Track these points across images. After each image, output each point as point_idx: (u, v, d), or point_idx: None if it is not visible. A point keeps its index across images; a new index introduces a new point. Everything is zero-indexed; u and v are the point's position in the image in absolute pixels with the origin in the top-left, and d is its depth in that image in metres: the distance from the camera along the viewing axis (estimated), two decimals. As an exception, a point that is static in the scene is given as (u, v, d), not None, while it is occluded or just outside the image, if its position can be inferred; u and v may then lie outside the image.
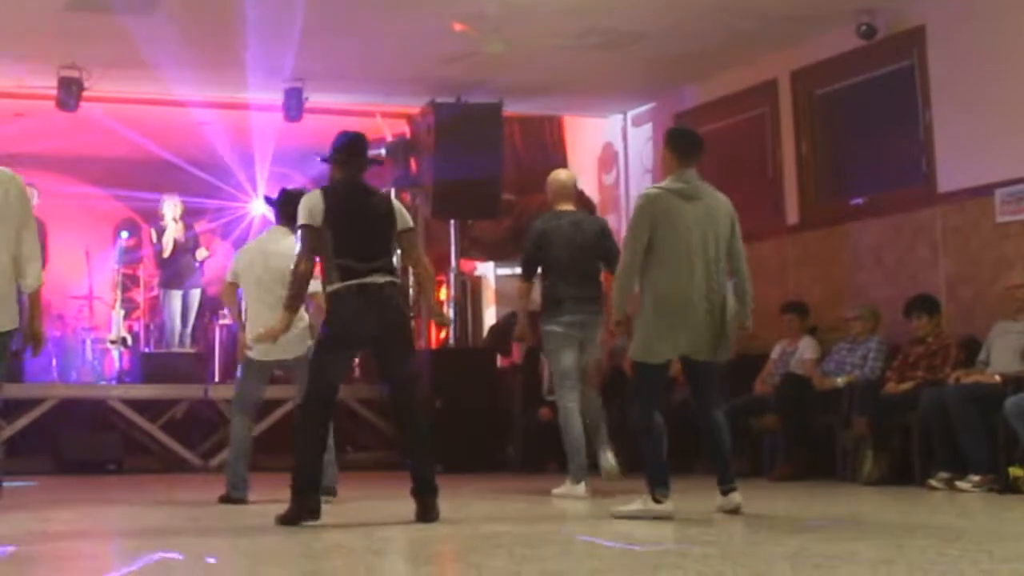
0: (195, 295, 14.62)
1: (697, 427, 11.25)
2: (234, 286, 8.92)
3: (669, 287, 7.31)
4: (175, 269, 14.45)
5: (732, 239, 7.52)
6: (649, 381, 7.49)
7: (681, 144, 7.64)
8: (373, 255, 7.28)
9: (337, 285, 7.22)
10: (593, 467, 9.29)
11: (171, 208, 14.39)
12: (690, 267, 7.31)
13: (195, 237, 14.70)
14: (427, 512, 7.22)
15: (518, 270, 14.76)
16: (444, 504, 7.42)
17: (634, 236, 7.40)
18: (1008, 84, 10.21)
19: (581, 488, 9.02)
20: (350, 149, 7.60)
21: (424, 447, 7.43)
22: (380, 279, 7.22)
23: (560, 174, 9.93)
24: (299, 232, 7.34)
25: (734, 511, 7.36)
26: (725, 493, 7.48)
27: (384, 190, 13.90)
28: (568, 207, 9.53)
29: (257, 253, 8.83)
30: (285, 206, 8.63)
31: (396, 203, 7.66)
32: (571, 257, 9.26)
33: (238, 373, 9.19)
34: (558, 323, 9.24)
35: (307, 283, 7.39)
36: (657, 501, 7.28)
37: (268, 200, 9.44)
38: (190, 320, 14.56)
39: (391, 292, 7.28)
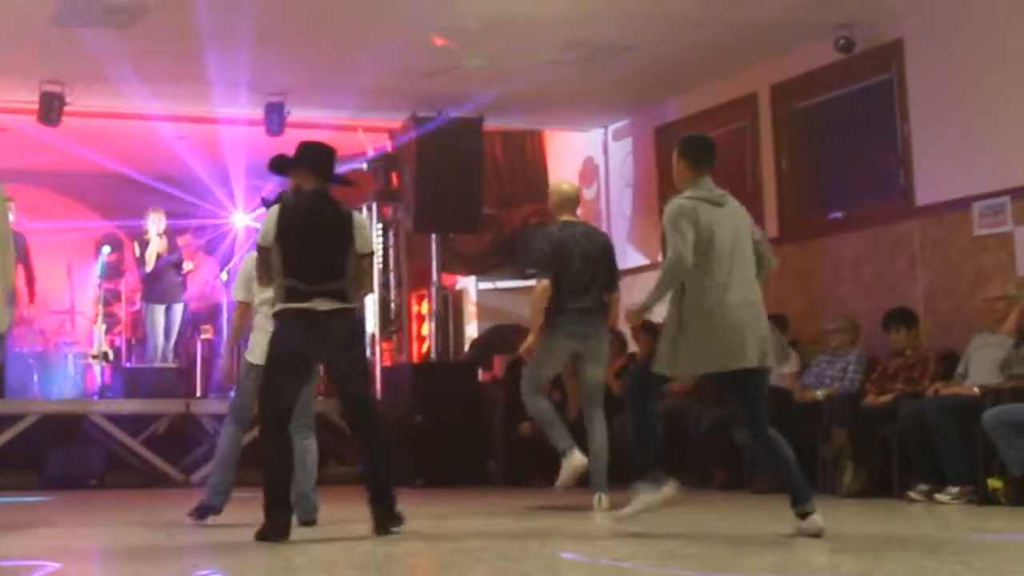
0: (178, 310, 14.61)
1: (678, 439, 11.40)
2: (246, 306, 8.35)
3: (714, 299, 7.05)
4: (159, 284, 14.44)
5: (758, 242, 7.40)
6: (647, 382, 7.41)
7: (695, 151, 7.42)
8: (321, 278, 7.10)
9: (280, 306, 7.14)
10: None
11: (155, 223, 14.37)
12: (731, 273, 7.11)
13: (179, 250, 14.69)
14: (384, 524, 7.12)
15: (501, 284, 14.88)
16: (426, 519, 7.43)
17: (682, 232, 7.00)
18: (986, 97, 10.27)
19: (576, 456, 8.92)
20: (313, 158, 7.40)
21: (379, 459, 7.29)
22: (324, 305, 7.06)
23: (563, 184, 9.87)
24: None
25: (817, 535, 6.86)
26: (804, 516, 7.00)
27: (361, 206, 14.05)
28: (574, 218, 9.46)
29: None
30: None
31: (359, 223, 7.42)
32: (582, 269, 9.15)
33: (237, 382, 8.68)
34: (561, 332, 9.10)
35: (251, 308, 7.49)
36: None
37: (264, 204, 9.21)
38: (173, 335, 14.54)
39: (336, 319, 7.10)
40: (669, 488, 7.21)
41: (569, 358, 9.25)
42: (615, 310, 9.52)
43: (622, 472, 11.01)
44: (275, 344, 7.18)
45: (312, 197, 7.31)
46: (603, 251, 9.36)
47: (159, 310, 14.41)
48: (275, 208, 7.25)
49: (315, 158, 7.42)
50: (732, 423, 10.94)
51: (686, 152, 7.42)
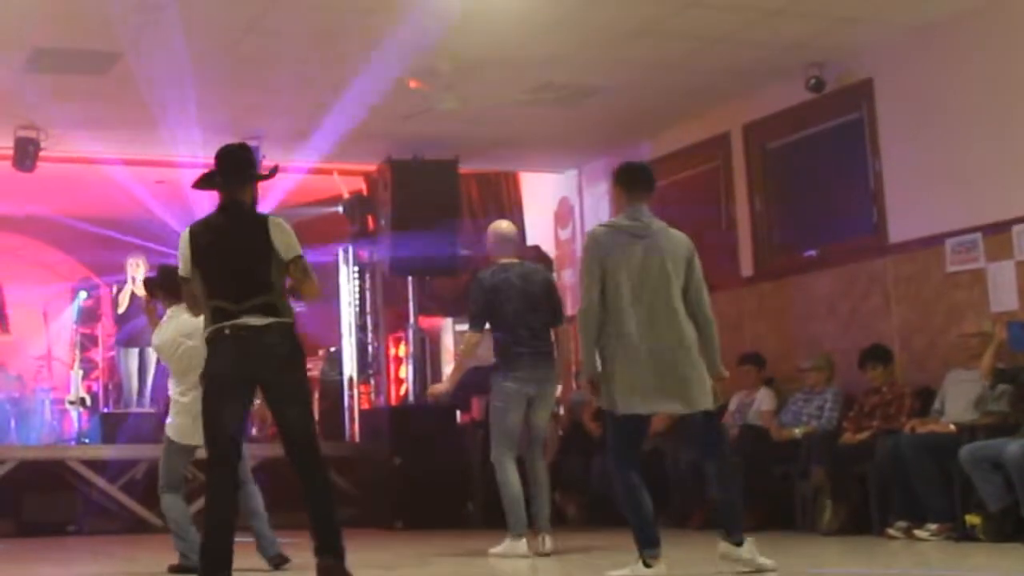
0: (152, 353, 14.57)
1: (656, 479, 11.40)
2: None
3: (624, 332, 6.91)
4: (131, 326, 14.40)
5: (689, 278, 7.16)
6: (620, 434, 7.10)
7: (629, 178, 7.32)
8: (246, 294, 6.58)
9: (209, 329, 6.63)
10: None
11: (133, 268, 14.36)
12: (644, 309, 6.95)
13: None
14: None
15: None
16: (407, 560, 7.39)
17: (588, 276, 7.01)
18: (956, 135, 10.34)
19: (522, 545, 8.89)
20: (222, 167, 6.92)
21: (324, 501, 6.65)
22: (257, 320, 6.53)
23: (501, 225, 9.67)
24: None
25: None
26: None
27: (338, 248, 14.02)
28: (511, 259, 9.36)
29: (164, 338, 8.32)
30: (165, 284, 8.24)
31: (277, 228, 6.75)
32: (523, 311, 9.08)
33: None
34: (513, 379, 9.01)
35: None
36: (647, 565, 6.90)
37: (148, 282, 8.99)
38: (148, 379, 14.49)
39: (273, 333, 6.57)
40: (661, 571, 6.96)
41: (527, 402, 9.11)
42: (563, 345, 9.37)
43: (598, 513, 11.07)
44: (208, 369, 6.64)
45: (219, 211, 6.88)
46: (543, 288, 9.28)
47: (132, 353, 14.37)
48: (184, 234, 6.82)
49: (226, 168, 6.94)
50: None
51: (619, 178, 7.36)
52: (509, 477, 9.02)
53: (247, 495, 7.94)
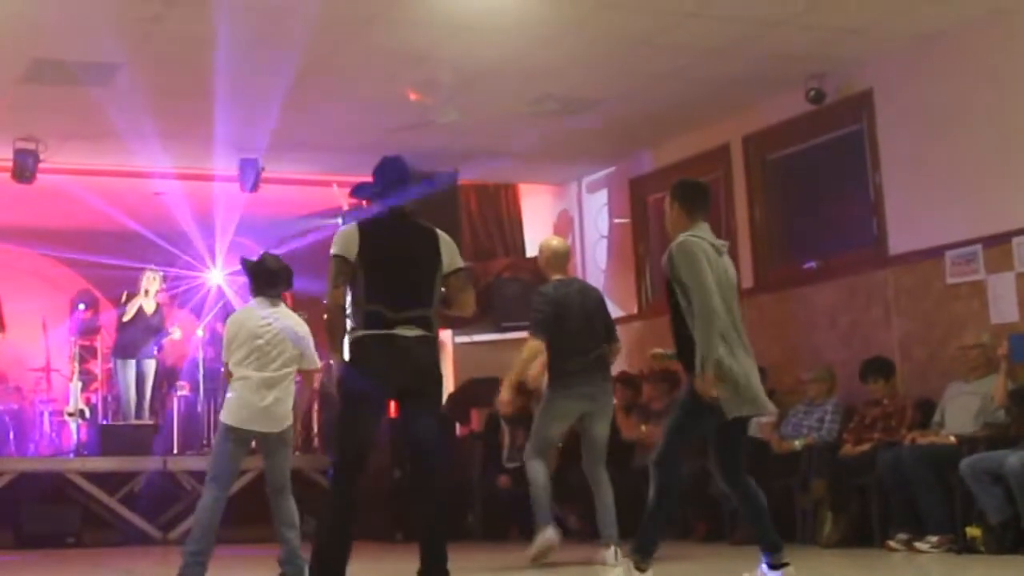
0: (149, 365, 14.54)
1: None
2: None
3: (734, 340, 6.93)
4: (130, 337, 14.39)
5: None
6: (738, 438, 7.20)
7: (691, 196, 7.15)
8: (408, 304, 6.48)
9: (361, 332, 6.49)
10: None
11: (149, 280, 14.36)
12: (737, 319, 7.03)
13: (162, 317, 14.63)
14: None
15: (477, 337, 14.83)
16: (407, 573, 7.37)
17: (704, 274, 6.78)
18: (956, 146, 10.34)
19: (550, 531, 8.85)
20: (389, 178, 6.88)
21: (439, 525, 6.83)
22: (410, 332, 6.44)
23: (553, 241, 9.65)
24: (331, 262, 6.59)
25: None
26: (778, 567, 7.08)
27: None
28: (565, 275, 9.36)
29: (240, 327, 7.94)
30: (259, 275, 7.88)
31: (444, 240, 6.77)
32: (581, 327, 9.03)
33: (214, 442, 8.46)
34: (566, 395, 8.96)
35: (342, 316, 6.66)
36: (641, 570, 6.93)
37: (244, 265, 8.91)
38: (146, 391, 14.46)
39: (423, 346, 6.51)
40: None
41: (576, 418, 9.10)
42: (614, 360, 9.42)
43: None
44: (355, 373, 6.49)
45: (389, 213, 6.79)
46: (598, 306, 9.25)
47: (129, 365, 14.35)
48: (353, 225, 6.69)
49: (394, 176, 6.93)
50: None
51: (681, 196, 7.15)
52: (538, 474, 9.01)
53: (286, 509, 7.91)
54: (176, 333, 14.64)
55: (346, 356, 6.61)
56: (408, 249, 6.64)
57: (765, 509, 7.06)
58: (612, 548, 8.74)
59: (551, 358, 9.04)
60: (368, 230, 6.63)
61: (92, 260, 15.44)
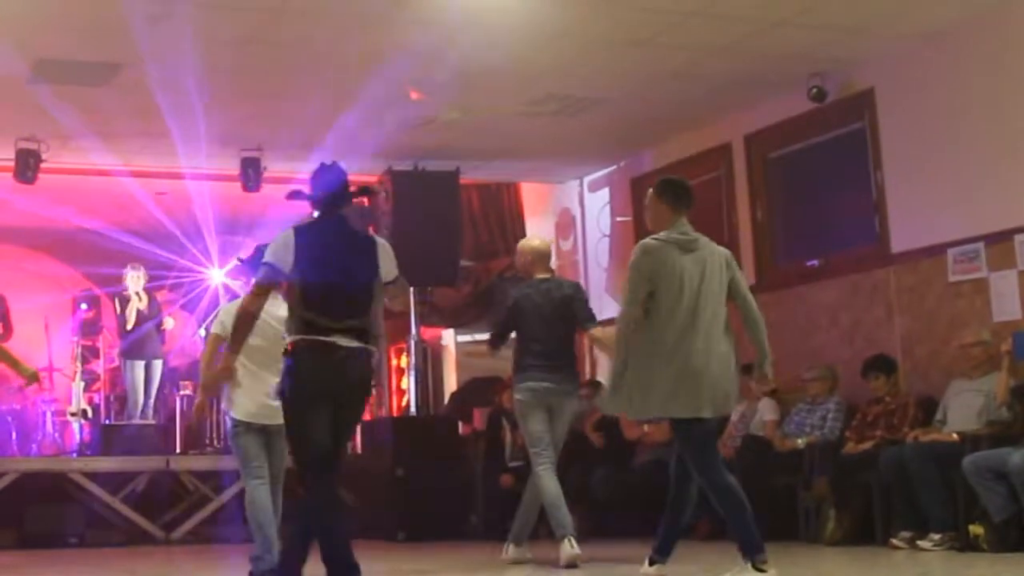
0: (157, 366, 14.57)
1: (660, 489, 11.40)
2: (220, 339, 7.87)
3: (673, 341, 7.05)
4: (137, 339, 14.41)
5: (736, 289, 7.36)
6: (690, 437, 7.22)
7: (673, 193, 7.43)
8: (344, 313, 6.48)
9: (298, 337, 6.46)
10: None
11: (134, 281, 14.37)
12: (694, 318, 7.09)
13: (158, 307, 14.67)
14: None
15: (479, 336, 14.87)
16: (409, 573, 7.38)
17: (633, 288, 7.13)
18: (958, 144, 10.34)
19: (566, 544, 8.80)
20: (324, 187, 6.79)
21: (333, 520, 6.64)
22: (348, 342, 6.44)
23: (535, 241, 9.81)
24: (260, 269, 6.62)
25: None
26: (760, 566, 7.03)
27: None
28: (543, 275, 9.41)
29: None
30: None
31: (382, 248, 6.82)
32: (536, 325, 9.15)
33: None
34: (522, 390, 9.09)
35: (250, 324, 6.74)
36: (759, 569, 6.97)
37: (242, 261, 8.67)
38: (152, 391, 14.49)
39: (360, 358, 6.50)
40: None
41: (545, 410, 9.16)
42: (603, 343, 9.24)
43: (599, 524, 11.06)
44: (298, 375, 6.48)
45: (326, 221, 6.81)
46: (563, 303, 9.26)
47: (138, 365, 14.37)
48: (288, 231, 6.63)
49: (332, 183, 6.87)
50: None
51: (664, 193, 7.44)
52: (542, 483, 9.03)
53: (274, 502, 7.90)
54: (169, 323, 14.65)
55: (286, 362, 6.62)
56: (345, 258, 6.63)
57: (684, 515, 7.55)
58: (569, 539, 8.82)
59: (514, 356, 9.27)
60: (304, 238, 6.60)
61: (94, 260, 15.46)
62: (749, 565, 7.00)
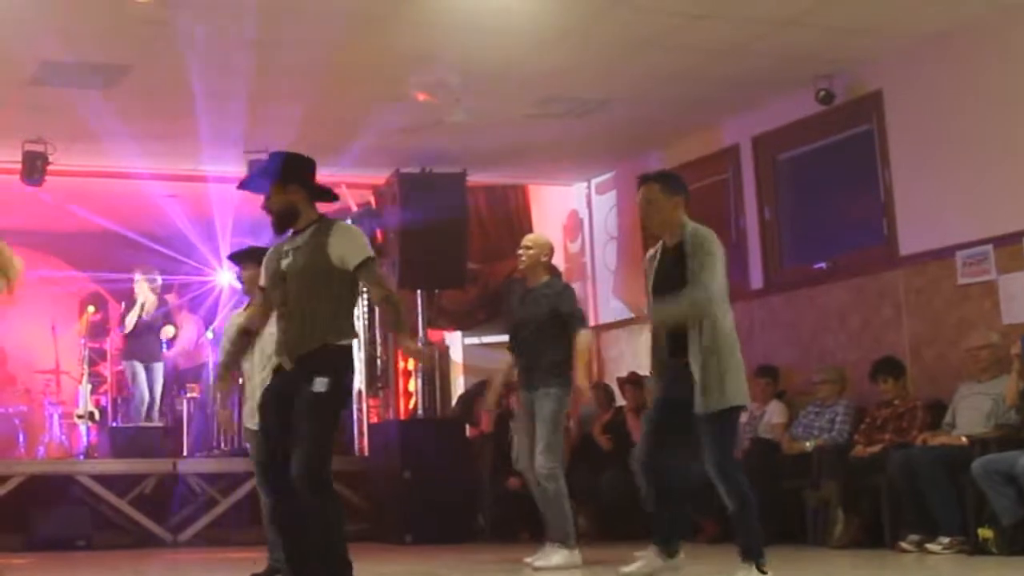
0: (158, 368, 14.60)
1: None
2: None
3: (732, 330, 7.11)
4: (138, 342, 14.45)
5: None
6: (734, 428, 7.31)
7: (685, 188, 7.54)
8: (286, 329, 6.38)
9: (352, 339, 6.38)
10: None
11: (143, 289, 14.41)
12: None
13: (165, 314, 14.69)
14: None
15: (487, 339, 14.88)
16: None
17: (718, 267, 7.11)
18: (966, 146, 10.31)
19: (573, 554, 9.00)
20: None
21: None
22: (288, 365, 6.36)
23: (550, 239, 9.92)
24: (374, 263, 6.39)
25: None
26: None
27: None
28: (535, 278, 9.43)
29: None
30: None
31: (336, 234, 6.44)
32: (515, 330, 9.35)
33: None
34: (519, 397, 9.27)
35: (241, 339, 6.73)
36: (764, 572, 6.96)
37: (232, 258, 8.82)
38: (156, 393, 14.51)
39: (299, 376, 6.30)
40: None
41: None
42: (579, 351, 9.24)
43: (607, 527, 11.05)
44: (349, 379, 6.36)
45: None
46: (536, 307, 9.28)
47: (139, 367, 14.40)
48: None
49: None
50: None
51: (681, 189, 7.49)
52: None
53: None
54: (168, 331, 14.68)
55: None
56: (294, 263, 6.39)
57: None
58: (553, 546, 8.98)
59: (557, 357, 9.25)
60: (271, 251, 6.57)
61: (101, 263, 15.48)
62: (754, 567, 6.98)
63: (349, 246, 6.31)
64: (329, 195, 6.79)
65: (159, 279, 14.59)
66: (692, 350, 6.99)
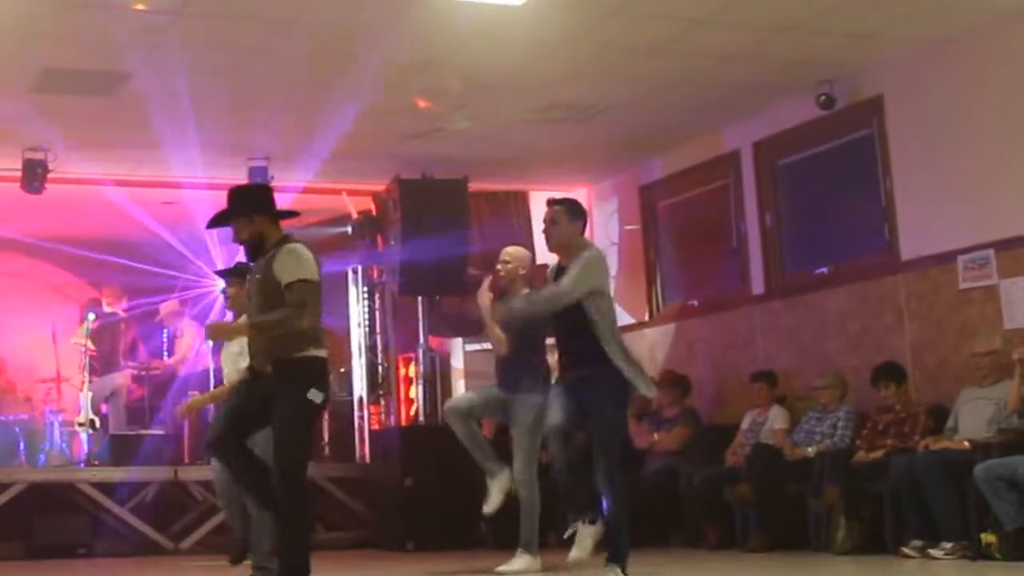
0: (116, 378, 14.77)
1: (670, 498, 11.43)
2: None
3: None
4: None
5: None
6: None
7: (585, 214, 8.35)
8: (251, 344, 7.21)
9: (307, 351, 6.93)
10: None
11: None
12: None
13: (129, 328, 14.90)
14: None
15: (487, 345, 14.85)
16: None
17: (591, 281, 7.93)
18: (967, 151, 10.31)
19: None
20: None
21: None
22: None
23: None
24: (302, 286, 6.90)
25: None
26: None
27: (348, 269, 14.19)
28: (514, 291, 9.44)
29: None
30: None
31: (281, 256, 7.05)
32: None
33: None
34: None
35: None
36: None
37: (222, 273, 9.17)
38: (120, 404, 14.59)
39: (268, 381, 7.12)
40: None
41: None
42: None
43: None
44: (325, 388, 7.02)
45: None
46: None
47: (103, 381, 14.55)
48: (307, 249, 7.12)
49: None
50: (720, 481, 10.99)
51: (582, 215, 8.29)
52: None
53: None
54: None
55: None
56: (254, 282, 7.16)
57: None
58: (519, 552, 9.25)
59: None
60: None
61: (101, 270, 15.46)
62: (619, 570, 7.59)
63: (288, 267, 6.93)
64: (290, 215, 7.46)
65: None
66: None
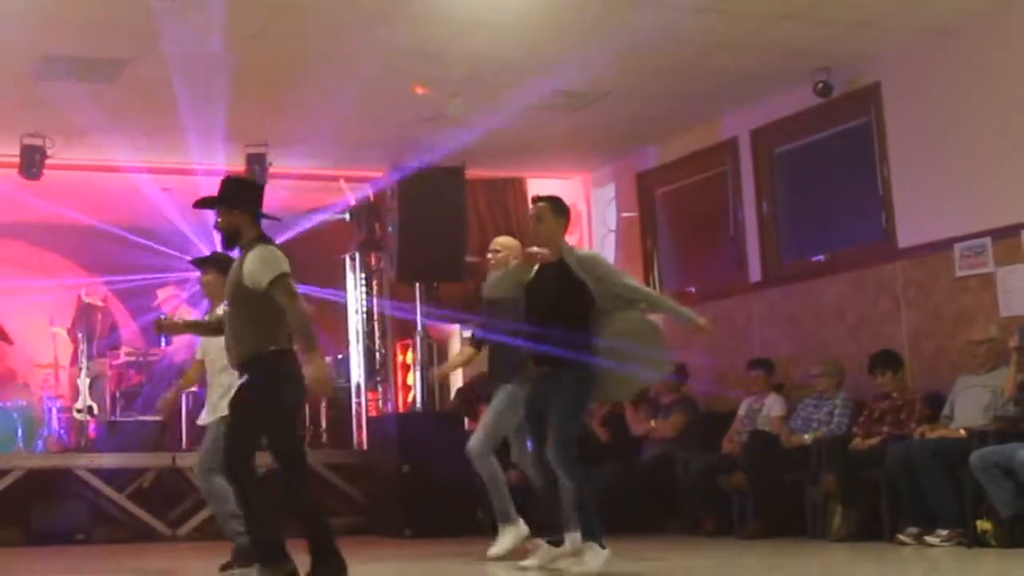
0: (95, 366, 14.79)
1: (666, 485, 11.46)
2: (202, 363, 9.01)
3: None
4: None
5: None
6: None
7: (568, 211, 8.50)
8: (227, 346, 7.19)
9: (272, 348, 6.87)
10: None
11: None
12: None
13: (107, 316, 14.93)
14: None
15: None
16: (416, 569, 7.38)
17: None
18: (964, 139, 10.33)
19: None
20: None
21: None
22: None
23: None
24: (286, 279, 6.84)
25: None
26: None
27: (345, 256, 14.18)
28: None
29: None
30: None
31: (248, 259, 6.97)
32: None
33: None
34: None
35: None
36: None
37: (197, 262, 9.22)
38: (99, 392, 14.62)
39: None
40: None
41: None
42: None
43: (605, 519, 11.02)
44: (297, 381, 6.88)
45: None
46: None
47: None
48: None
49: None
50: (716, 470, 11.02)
51: (566, 213, 8.44)
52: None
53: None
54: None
55: None
56: (228, 280, 7.12)
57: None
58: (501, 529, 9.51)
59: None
60: None
61: (99, 256, 15.47)
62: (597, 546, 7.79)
63: (260, 268, 6.85)
64: (271, 218, 7.36)
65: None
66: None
